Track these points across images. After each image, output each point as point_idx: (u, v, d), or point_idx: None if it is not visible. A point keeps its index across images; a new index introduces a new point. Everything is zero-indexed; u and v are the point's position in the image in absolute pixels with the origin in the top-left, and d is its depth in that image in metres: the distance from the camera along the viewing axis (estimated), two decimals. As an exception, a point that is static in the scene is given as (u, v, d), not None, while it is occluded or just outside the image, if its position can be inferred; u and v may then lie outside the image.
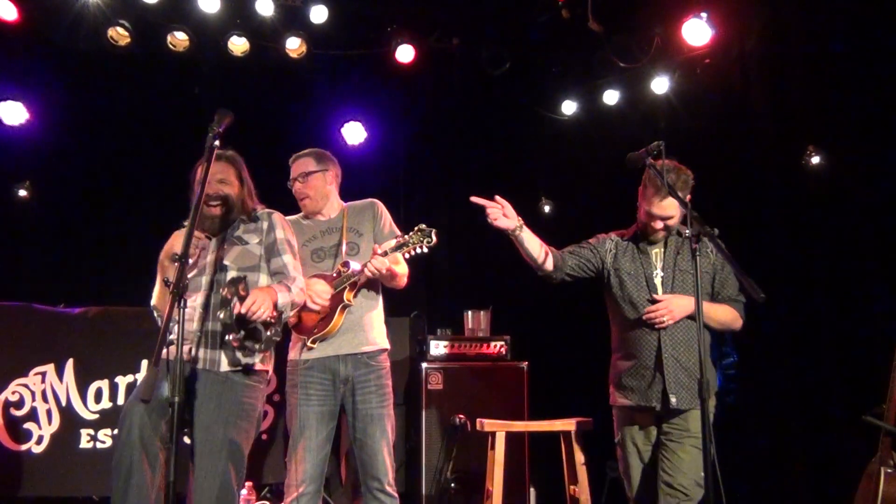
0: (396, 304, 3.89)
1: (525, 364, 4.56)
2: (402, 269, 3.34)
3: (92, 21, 4.62)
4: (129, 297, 4.59)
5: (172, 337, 2.41)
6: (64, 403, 4.22)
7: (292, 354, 3.33)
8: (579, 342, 5.11)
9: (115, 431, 4.14)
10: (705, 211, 3.33)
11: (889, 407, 2.95)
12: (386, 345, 3.37)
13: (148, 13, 4.69)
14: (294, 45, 4.91)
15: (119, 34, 4.67)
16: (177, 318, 2.36)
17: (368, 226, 3.41)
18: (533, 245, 3.11)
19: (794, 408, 4.21)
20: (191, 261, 2.79)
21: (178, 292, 2.32)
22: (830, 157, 4.19)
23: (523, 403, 4.47)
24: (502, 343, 4.61)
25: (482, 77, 5.25)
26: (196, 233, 2.78)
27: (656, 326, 3.05)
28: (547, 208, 5.58)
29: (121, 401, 4.24)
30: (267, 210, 3.03)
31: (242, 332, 2.69)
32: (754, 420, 4.16)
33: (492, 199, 3.07)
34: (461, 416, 4.34)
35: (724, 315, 3.11)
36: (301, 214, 3.50)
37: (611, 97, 5.24)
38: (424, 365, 4.44)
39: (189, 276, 2.78)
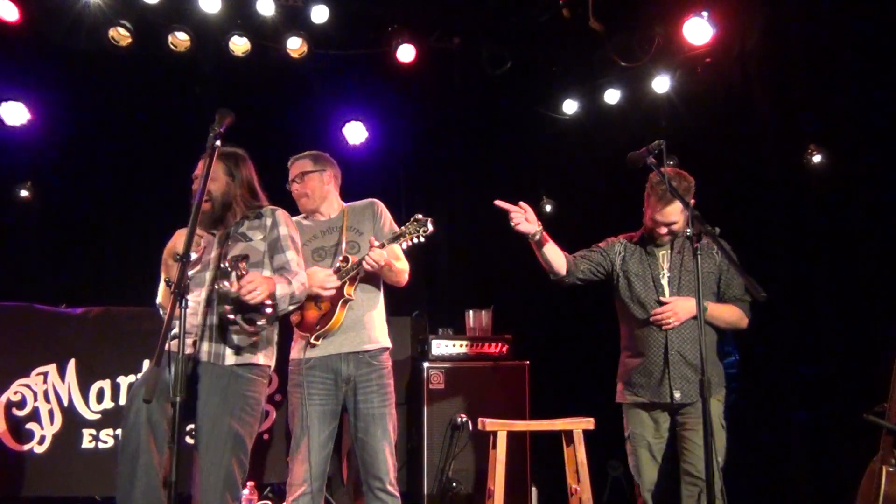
0: (398, 303, 3.90)
1: (526, 363, 4.56)
2: (403, 265, 3.36)
3: (93, 21, 4.61)
4: (131, 297, 4.61)
5: (175, 332, 2.41)
6: (66, 403, 4.22)
7: (294, 354, 3.34)
8: (581, 341, 5.12)
9: (117, 432, 4.18)
10: (706, 210, 3.34)
11: (890, 405, 2.95)
12: (388, 343, 3.38)
13: (149, 13, 4.68)
14: (295, 45, 4.90)
15: (120, 34, 4.67)
16: (178, 316, 2.36)
17: (369, 225, 3.42)
18: (551, 250, 3.25)
19: (795, 406, 4.21)
20: (195, 256, 2.80)
21: (180, 292, 2.33)
22: (832, 156, 4.19)
23: (525, 403, 4.47)
24: (504, 342, 4.61)
25: (483, 76, 5.25)
26: (199, 230, 2.80)
27: (663, 328, 3.18)
28: (548, 207, 5.58)
29: (122, 401, 4.24)
30: (271, 207, 3.03)
31: (234, 308, 2.69)
32: (755, 418, 4.15)
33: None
34: (463, 415, 4.35)
35: (731, 315, 3.23)
36: (302, 215, 3.52)
37: (612, 96, 5.24)
38: (426, 364, 4.44)
39: (193, 272, 2.80)
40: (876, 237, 3.86)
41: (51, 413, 4.20)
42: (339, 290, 3.22)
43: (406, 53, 5.01)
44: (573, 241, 3.49)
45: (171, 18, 4.73)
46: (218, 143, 2.62)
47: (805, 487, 4.11)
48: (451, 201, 5.63)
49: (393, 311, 3.64)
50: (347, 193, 3.62)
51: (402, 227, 3.19)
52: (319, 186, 3.46)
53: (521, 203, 3.15)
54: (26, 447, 4.15)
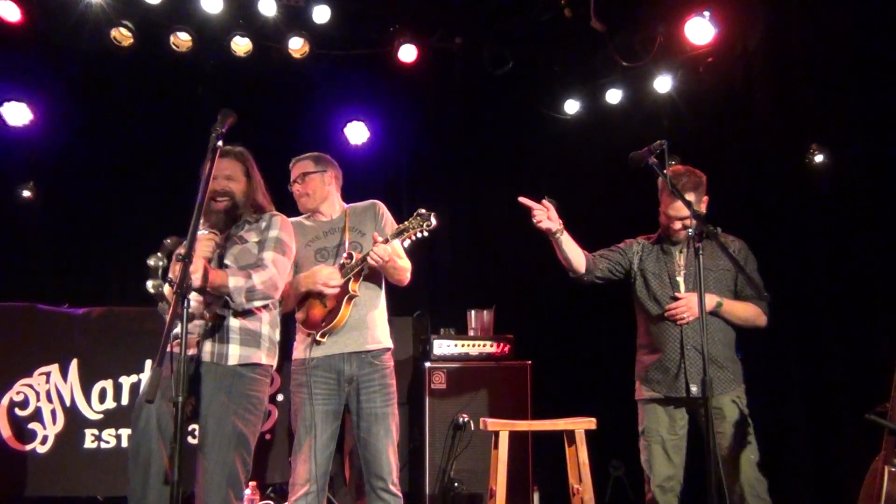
0: (399, 303, 3.90)
1: (528, 363, 4.55)
2: (405, 264, 3.37)
3: (95, 22, 4.62)
4: (133, 298, 4.61)
5: (177, 332, 2.42)
6: (68, 403, 4.23)
7: (297, 354, 3.34)
8: (583, 341, 5.12)
9: (119, 431, 4.19)
10: (708, 210, 3.35)
11: (892, 405, 2.94)
12: (390, 344, 3.39)
13: (151, 14, 4.69)
14: (297, 46, 4.91)
15: (122, 35, 4.68)
16: (181, 316, 2.37)
17: (370, 225, 3.43)
18: (571, 247, 3.32)
19: (798, 406, 4.20)
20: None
21: (182, 292, 2.33)
22: (834, 156, 4.18)
23: (527, 402, 4.47)
24: (505, 342, 4.61)
25: (484, 76, 5.25)
26: (213, 231, 2.81)
27: (678, 323, 3.25)
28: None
29: (125, 401, 4.25)
30: (272, 213, 3.04)
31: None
32: (757, 418, 4.15)
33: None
34: (464, 415, 4.35)
35: (747, 312, 3.30)
36: (304, 216, 3.53)
37: (613, 96, 5.23)
38: (428, 364, 4.44)
39: None
40: (877, 237, 3.86)
41: (53, 413, 4.21)
42: (344, 286, 3.22)
43: (407, 53, 5.01)
44: (575, 240, 3.48)
45: (173, 19, 4.73)
46: (220, 143, 2.63)
47: (807, 488, 4.11)
48: (453, 201, 5.62)
49: (395, 310, 3.65)
50: (349, 194, 3.63)
51: (405, 222, 3.18)
52: (320, 187, 3.47)
53: (545, 201, 3.24)
54: (28, 447, 4.15)
